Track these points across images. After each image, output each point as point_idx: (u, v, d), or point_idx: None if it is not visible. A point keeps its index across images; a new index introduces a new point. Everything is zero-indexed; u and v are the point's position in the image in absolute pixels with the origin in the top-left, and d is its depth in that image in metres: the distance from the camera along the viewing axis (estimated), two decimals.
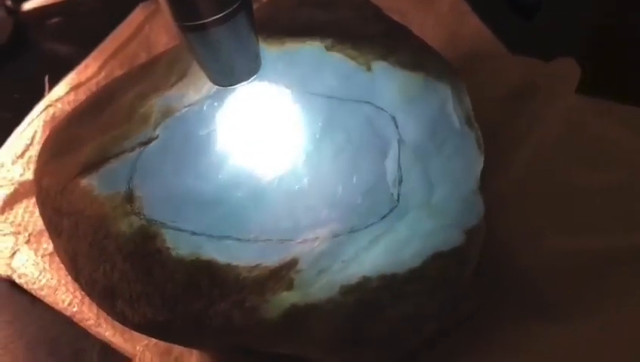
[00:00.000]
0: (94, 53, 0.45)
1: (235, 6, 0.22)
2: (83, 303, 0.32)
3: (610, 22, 0.48)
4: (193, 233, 0.25)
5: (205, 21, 0.22)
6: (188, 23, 0.22)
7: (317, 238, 0.24)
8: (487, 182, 0.35)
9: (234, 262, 0.24)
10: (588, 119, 0.38)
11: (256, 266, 0.24)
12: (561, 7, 0.49)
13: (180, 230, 0.25)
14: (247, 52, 0.25)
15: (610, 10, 0.49)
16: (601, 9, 0.49)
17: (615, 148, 0.37)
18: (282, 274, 0.24)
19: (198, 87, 0.29)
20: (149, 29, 0.47)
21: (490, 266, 0.31)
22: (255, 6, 0.26)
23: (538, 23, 0.49)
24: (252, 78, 0.26)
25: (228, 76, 0.25)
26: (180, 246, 0.25)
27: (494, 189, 0.35)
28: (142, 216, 0.25)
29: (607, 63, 0.43)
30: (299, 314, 0.23)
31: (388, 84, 0.27)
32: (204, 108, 0.28)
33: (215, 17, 0.21)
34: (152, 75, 0.31)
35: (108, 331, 0.32)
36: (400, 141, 0.26)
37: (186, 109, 0.28)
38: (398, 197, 0.25)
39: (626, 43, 0.45)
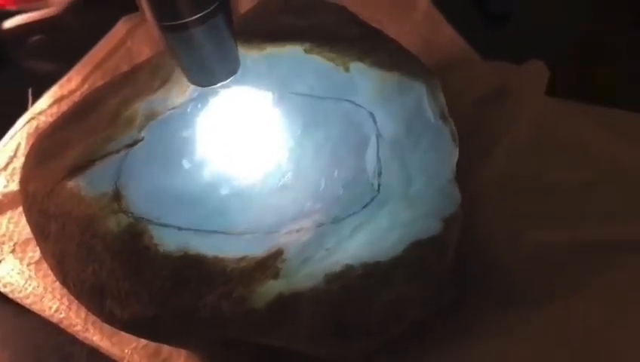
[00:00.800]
0: (77, 67, 0.46)
1: (213, 6, 0.23)
2: (70, 309, 0.33)
3: (580, 29, 0.50)
4: (180, 228, 0.25)
5: (185, 21, 0.22)
6: (168, 23, 0.23)
7: (301, 229, 0.25)
8: (463, 183, 0.36)
9: (220, 255, 0.25)
10: (558, 119, 0.39)
11: (243, 258, 0.24)
12: (533, 15, 0.51)
13: (166, 225, 0.25)
14: (226, 53, 0.25)
15: (580, 17, 0.51)
16: (571, 16, 0.51)
17: (585, 147, 0.38)
18: (268, 264, 0.24)
19: (182, 91, 0.30)
20: (131, 43, 0.48)
21: (472, 262, 0.32)
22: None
23: (509, 31, 0.50)
24: (230, 79, 0.27)
25: (207, 76, 0.26)
26: (167, 242, 0.25)
27: (471, 189, 0.36)
28: (129, 214, 0.26)
29: (577, 67, 0.45)
30: (285, 303, 0.24)
31: (365, 83, 0.28)
32: (188, 110, 0.29)
33: (194, 17, 0.22)
34: (136, 81, 0.31)
35: (96, 335, 0.32)
36: (378, 136, 0.27)
37: (170, 112, 0.29)
38: (379, 187, 0.26)
39: (596, 48, 0.47)
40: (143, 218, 0.26)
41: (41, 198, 0.28)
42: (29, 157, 0.31)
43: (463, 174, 0.36)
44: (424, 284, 0.26)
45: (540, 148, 0.38)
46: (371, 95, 0.28)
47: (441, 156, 0.27)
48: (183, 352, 0.31)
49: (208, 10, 0.22)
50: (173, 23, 0.22)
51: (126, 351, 0.31)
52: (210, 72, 0.26)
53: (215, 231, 0.25)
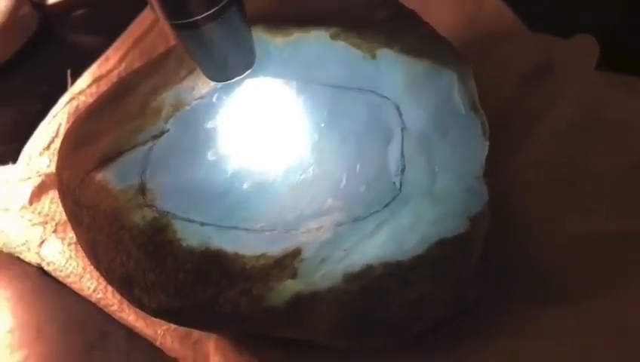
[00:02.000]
0: (114, 45, 0.46)
1: (225, 2, 0.22)
2: (107, 290, 0.34)
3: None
4: (202, 224, 0.26)
5: (196, 18, 0.22)
6: (179, 22, 0.22)
7: (321, 227, 0.25)
8: (502, 165, 0.35)
9: (241, 252, 0.25)
10: (607, 98, 0.37)
11: (262, 255, 0.25)
12: None
13: (189, 221, 0.26)
14: (240, 47, 0.25)
15: None
16: None
17: (635, 130, 0.36)
18: (286, 263, 0.24)
19: (207, 81, 0.29)
20: None
21: (501, 251, 0.31)
22: None
23: (559, 2, 0.47)
24: (246, 72, 0.26)
25: (222, 71, 0.26)
26: (189, 236, 0.25)
27: (509, 172, 0.35)
28: (154, 208, 0.26)
29: (630, 41, 0.42)
30: (303, 302, 0.24)
31: (392, 72, 0.27)
32: (213, 100, 0.29)
33: (206, 14, 0.22)
34: (164, 68, 0.31)
35: (131, 316, 0.33)
36: (404, 129, 0.26)
37: (195, 102, 0.29)
38: (401, 186, 0.25)
39: None
40: (167, 212, 0.26)
41: (73, 188, 0.29)
42: (63, 143, 0.32)
43: (503, 158, 0.35)
44: (448, 284, 0.25)
45: (585, 131, 0.36)
46: (398, 84, 0.27)
47: (470, 151, 0.26)
48: (213, 335, 0.32)
49: (220, 5, 0.22)
50: (184, 21, 0.22)
51: (159, 331, 0.32)
52: (225, 68, 0.25)
53: (236, 227, 0.25)
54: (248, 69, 0.26)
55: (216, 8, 0.22)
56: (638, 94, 0.37)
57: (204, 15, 0.22)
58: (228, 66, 0.25)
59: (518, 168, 0.35)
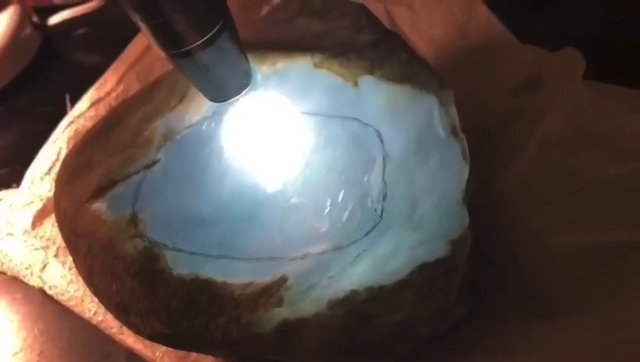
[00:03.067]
0: (112, 68, 0.47)
1: (216, 28, 0.23)
2: (107, 313, 0.34)
3: (620, 11, 0.46)
4: (192, 253, 0.27)
5: (190, 47, 0.23)
6: (174, 51, 0.23)
7: (305, 255, 0.25)
8: (493, 177, 0.35)
9: (229, 281, 0.26)
10: (595, 110, 0.37)
11: (249, 284, 0.25)
12: None
13: (179, 250, 0.27)
14: (235, 69, 0.26)
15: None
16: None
17: (624, 138, 0.36)
18: (273, 292, 0.25)
19: (198, 108, 0.30)
20: None
21: (493, 269, 0.32)
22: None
23: (549, 12, 0.48)
24: (245, 92, 0.27)
25: (221, 93, 0.27)
26: (180, 266, 0.26)
27: (501, 184, 0.35)
28: (145, 238, 0.27)
29: (617, 52, 0.42)
30: (291, 328, 0.24)
31: (374, 98, 0.28)
32: (203, 128, 0.30)
33: (199, 42, 0.23)
34: (155, 97, 0.32)
35: (130, 338, 0.34)
36: (385, 156, 0.27)
37: (186, 131, 0.30)
38: (382, 213, 0.26)
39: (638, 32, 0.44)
40: (157, 242, 0.27)
41: (70, 217, 0.30)
42: (60, 174, 0.33)
43: (494, 170, 0.35)
44: (432, 304, 0.26)
45: (575, 142, 0.36)
46: (380, 112, 0.28)
47: (451, 175, 0.27)
48: (210, 357, 0.33)
49: (212, 33, 0.23)
50: (178, 50, 0.23)
51: (157, 353, 0.33)
52: (222, 89, 0.26)
53: (224, 256, 0.26)
54: (245, 88, 0.27)
55: (207, 36, 0.22)
56: (625, 104, 0.37)
57: (196, 44, 0.22)
58: (225, 87, 0.26)
59: (508, 179, 0.35)
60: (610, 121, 0.37)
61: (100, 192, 0.29)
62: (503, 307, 0.31)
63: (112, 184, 0.29)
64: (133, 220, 0.28)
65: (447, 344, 0.29)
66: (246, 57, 0.27)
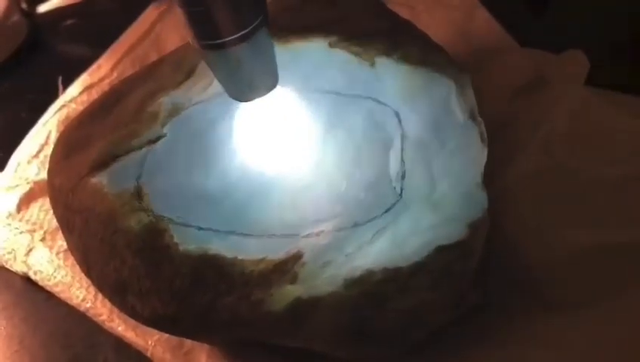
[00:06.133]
0: (107, 54, 0.46)
1: (254, 25, 0.22)
2: (96, 299, 0.33)
3: (621, 15, 0.47)
4: (200, 228, 0.25)
5: (225, 40, 0.22)
6: (208, 42, 0.22)
7: (321, 232, 0.25)
8: (495, 177, 0.35)
9: (240, 256, 0.24)
10: (597, 111, 0.37)
11: (262, 260, 0.24)
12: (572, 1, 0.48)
13: (186, 225, 0.25)
14: (266, 68, 0.25)
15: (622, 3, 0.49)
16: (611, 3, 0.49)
17: (626, 140, 0.36)
18: (287, 268, 0.24)
19: (205, 86, 0.29)
20: (160, 29, 0.48)
21: (498, 261, 0.31)
22: None
23: (549, 17, 0.48)
24: (269, 93, 0.26)
25: (247, 92, 0.25)
26: (187, 241, 0.25)
27: (503, 184, 0.35)
28: (150, 212, 0.26)
29: (618, 56, 0.43)
30: (303, 307, 0.23)
31: (391, 79, 0.27)
32: (211, 106, 0.29)
33: (234, 36, 0.22)
34: (160, 74, 0.31)
35: (120, 326, 0.32)
36: (403, 136, 0.26)
37: (193, 107, 0.29)
38: (401, 191, 0.25)
39: (637, 35, 0.45)
40: (163, 216, 0.26)
41: (66, 193, 0.29)
42: (55, 150, 0.32)
43: (496, 170, 0.35)
44: (447, 290, 0.25)
45: (578, 143, 0.36)
46: (397, 92, 0.27)
47: (469, 158, 0.26)
48: (206, 345, 0.31)
49: (249, 28, 0.22)
50: (213, 42, 0.22)
51: (150, 342, 0.31)
52: (249, 88, 0.25)
53: (234, 232, 0.25)
54: (271, 89, 0.26)
55: (245, 31, 0.22)
56: (625, 108, 0.38)
57: (232, 37, 0.22)
58: (252, 87, 0.25)
59: (512, 180, 0.35)
60: (611, 124, 0.37)
61: (100, 166, 0.28)
62: (510, 302, 0.31)
63: (113, 158, 0.28)
64: (138, 193, 0.26)
65: (456, 336, 0.28)
66: (275, 59, 0.26)
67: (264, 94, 0.26)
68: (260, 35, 0.22)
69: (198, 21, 0.21)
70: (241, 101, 0.26)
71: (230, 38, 0.22)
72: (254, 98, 0.26)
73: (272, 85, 0.26)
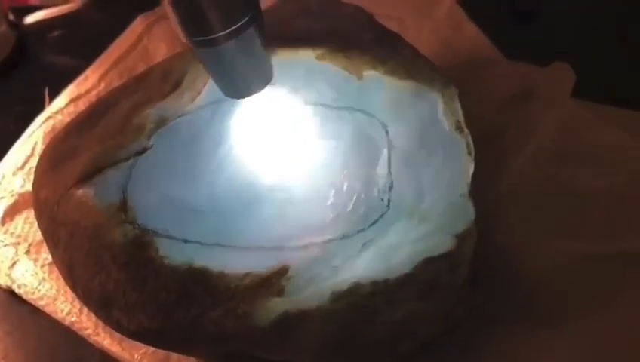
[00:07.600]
0: (94, 65, 0.46)
1: (244, 20, 0.22)
2: (81, 312, 0.33)
3: (608, 26, 0.48)
4: (186, 241, 0.25)
5: (215, 36, 0.22)
6: (198, 39, 0.22)
7: (308, 245, 0.24)
8: (483, 188, 0.35)
9: (226, 270, 0.24)
10: (584, 124, 0.38)
11: (248, 274, 0.24)
12: (559, 13, 0.49)
13: (172, 238, 0.25)
14: (258, 65, 0.25)
15: (608, 13, 0.49)
16: (598, 14, 0.49)
17: (612, 152, 0.37)
18: (273, 281, 0.24)
19: (191, 97, 0.29)
20: (147, 41, 0.47)
21: (486, 272, 0.31)
22: None
23: (535, 30, 0.49)
24: (263, 89, 0.26)
25: (240, 89, 0.25)
26: (172, 254, 0.25)
27: (491, 196, 0.35)
28: (135, 225, 0.26)
29: (603, 68, 0.43)
30: (290, 321, 0.23)
31: (378, 92, 0.27)
32: (197, 117, 0.28)
33: (225, 32, 0.22)
34: (147, 85, 0.31)
35: (106, 340, 0.32)
36: (390, 148, 0.26)
37: (179, 119, 0.29)
38: (389, 203, 0.25)
39: (622, 47, 0.45)
40: (149, 229, 0.25)
41: (51, 206, 0.28)
42: (41, 162, 0.31)
43: (484, 182, 0.35)
44: (435, 302, 0.25)
45: (565, 155, 0.37)
46: (385, 105, 0.27)
47: (456, 169, 0.26)
48: (192, 359, 0.31)
49: (240, 23, 0.22)
50: (204, 38, 0.22)
51: (136, 356, 0.31)
52: (243, 85, 0.25)
53: (221, 245, 0.25)
54: (264, 86, 0.26)
55: (235, 26, 0.22)
56: (611, 120, 0.38)
57: (223, 33, 0.22)
58: (246, 83, 0.25)
59: (500, 191, 0.35)
60: (598, 136, 0.38)
61: (86, 178, 0.27)
62: (500, 312, 0.31)
63: (99, 170, 0.28)
64: (123, 206, 0.26)
65: (444, 347, 0.28)
66: (269, 54, 0.26)
67: (258, 91, 0.26)
68: (250, 32, 0.22)
69: (188, 17, 0.21)
70: (235, 98, 0.26)
71: (220, 34, 0.22)
72: (248, 95, 0.26)
73: (264, 82, 0.26)
